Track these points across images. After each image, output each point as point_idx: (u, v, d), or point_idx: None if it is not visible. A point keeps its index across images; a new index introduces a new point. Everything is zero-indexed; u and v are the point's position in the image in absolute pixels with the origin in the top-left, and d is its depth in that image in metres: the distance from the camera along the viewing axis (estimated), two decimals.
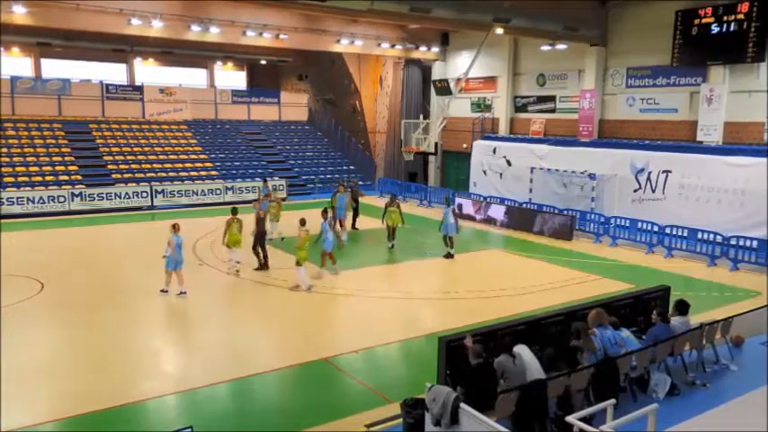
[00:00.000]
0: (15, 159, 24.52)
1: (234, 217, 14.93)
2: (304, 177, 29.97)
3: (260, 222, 15.50)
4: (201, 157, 28.86)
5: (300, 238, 13.86)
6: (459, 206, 23.43)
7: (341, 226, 19.34)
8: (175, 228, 13.14)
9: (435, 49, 30.09)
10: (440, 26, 26.65)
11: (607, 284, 14.56)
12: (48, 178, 24.06)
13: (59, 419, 7.94)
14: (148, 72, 36.73)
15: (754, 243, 16.38)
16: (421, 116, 26.73)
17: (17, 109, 27.35)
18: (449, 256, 17.08)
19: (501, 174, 25.49)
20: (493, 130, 28.18)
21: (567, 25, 22.22)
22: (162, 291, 13.15)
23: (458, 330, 9.21)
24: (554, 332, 8.70)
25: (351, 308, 12.98)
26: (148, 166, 26.79)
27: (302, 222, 14.25)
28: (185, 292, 13.01)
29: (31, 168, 24.32)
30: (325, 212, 15.29)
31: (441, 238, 17.41)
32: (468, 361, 7.28)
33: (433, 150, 25.76)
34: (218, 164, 28.57)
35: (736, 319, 9.60)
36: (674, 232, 18.06)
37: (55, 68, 33.19)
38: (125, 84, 33.82)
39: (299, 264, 13.68)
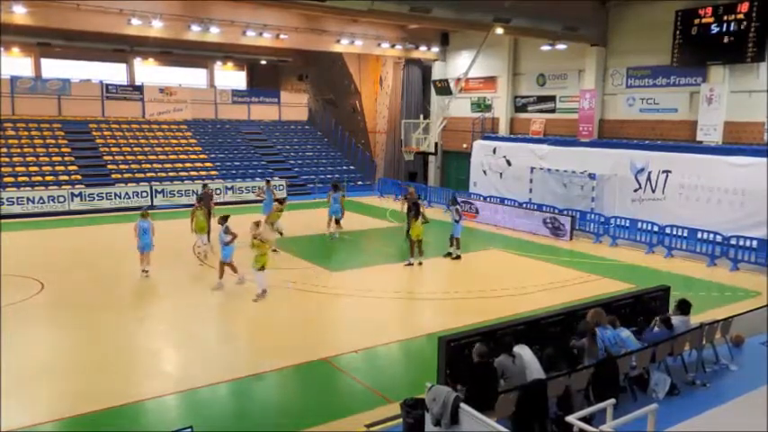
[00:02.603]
0: (15, 159, 24.52)
1: (199, 205, 16.71)
2: (304, 177, 29.98)
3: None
4: (201, 157, 28.86)
5: (261, 240, 13.08)
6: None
7: (337, 224, 19.62)
8: (143, 215, 14.72)
9: (435, 49, 30.09)
10: (440, 26, 26.64)
11: (607, 284, 14.56)
12: (48, 178, 24.06)
13: (59, 419, 7.94)
14: (148, 72, 36.71)
15: (754, 243, 16.38)
16: (421, 116, 26.70)
17: (17, 109, 27.35)
18: (448, 255, 17.09)
19: (501, 174, 25.48)
20: (493, 130, 28.17)
21: (567, 25, 22.20)
22: (143, 271, 14.49)
23: (458, 330, 9.22)
24: (554, 332, 8.70)
25: (351, 308, 12.97)
26: (148, 166, 26.79)
27: (257, 224, 13.39)
28: (146, 272, 14.49)
29: (31, 168, 24.32)
30: (223, 219, 14.02)
31: (435, 237, 17.44)
32: (469, 361, 7.28)
33: (433, 150, 25.74)
34: (218, 164, 28.58)
35: (736, 319, 9.62)
36: (674, 232, 18.07)
37: (55, 68, 33.19)
38: (125, 84, 33.82)
39: (263, 268, 12.97)
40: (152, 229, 14.52)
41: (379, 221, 22.73)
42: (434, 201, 26.55)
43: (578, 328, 8.24)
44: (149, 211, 15.49)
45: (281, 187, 27.19)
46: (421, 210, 16.68)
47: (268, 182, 22.24)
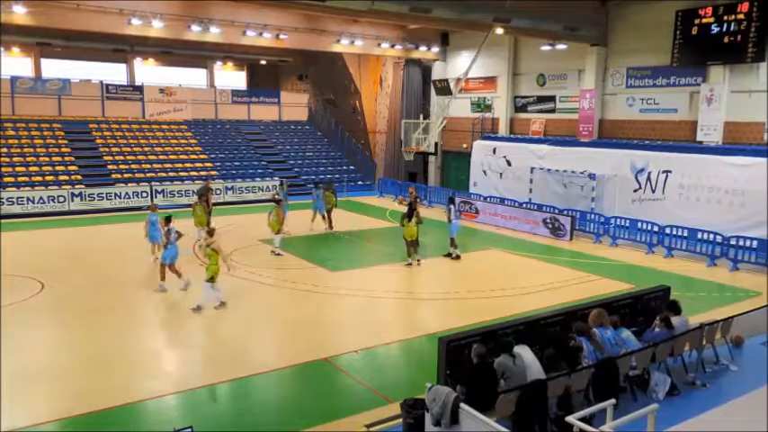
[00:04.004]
0: (15, 159, 24.51)
1: (199, 201, 17.76)
2: (304, 177, 29.96)
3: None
4: (201, 157, 28.86)
5: (213, 249, 12.18)
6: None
7: (324, 220, 20.26)
8: (152, 209, 15.75)
9: (435, 49, 30.09)
10: (440, 26, 26.64)
11: (607, 284, 14.55)
12: (48, 178, 24.05)
13: (59, 419, 7.93)
14: (148, 72, 36.75)
15: (754, 243, 16.37)
16: (421, 116, 26.75)
17: (17, 109, 27.34)
18: (448, 255, 17.08)
19: (501, 174, 25.49)
20: (493, 130, 28.18)
21: (568, 25, 22.21)
22: (155, 259, 15.06)
23: (458, 330, 9.23)
24: (554, 332, 8.70)
25: (351, 308, 12.95)
26: (148, 166, 26.78)
27: (211, 233, 12.57)
28: (158, 259, 14.71)
29: (31, 168, 24.31)
30: (167, 220, 13.72)
31: (435, 238, 17.43)
32: (469, 361, 7.28)
33: (433, 150, 25.78)
34: (218, 164, 28.58)
35: (736, 319, 9.62)
36: (674, 232, 18.06)
37: (55, 68, 33.22)
38: (125, 84, 33.82)
39: (212, 279, 12.06)
40: (160, 222, 15.08)
41: (379, 221, 22.73)
42: (434, 201, 26.54)
43: (576, 327, 8.25)
44: (157, 206, 16.61)
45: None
46: (416, 210, 16.50)
47: (282, 183, 22.39)
